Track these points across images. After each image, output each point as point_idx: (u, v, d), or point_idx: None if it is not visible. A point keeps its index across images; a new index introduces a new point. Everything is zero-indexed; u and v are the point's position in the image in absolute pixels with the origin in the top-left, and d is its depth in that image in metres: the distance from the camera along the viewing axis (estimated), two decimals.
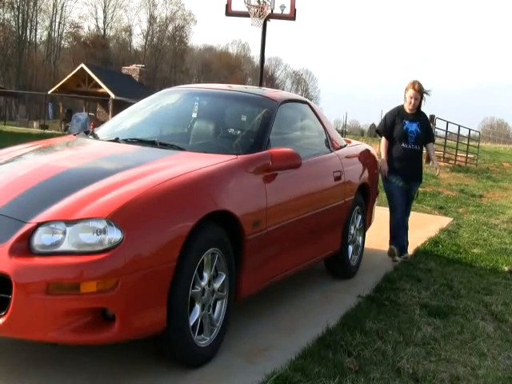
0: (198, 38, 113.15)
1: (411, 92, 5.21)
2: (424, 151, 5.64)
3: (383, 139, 5.34)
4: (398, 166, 5.22)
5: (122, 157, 3.17)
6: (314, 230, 3.88)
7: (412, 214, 5.67)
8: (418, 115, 5.29)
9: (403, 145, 5.20)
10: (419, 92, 5.20)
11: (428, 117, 5.53)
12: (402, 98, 5.44)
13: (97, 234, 2.32)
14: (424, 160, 5.73)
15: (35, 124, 31.40)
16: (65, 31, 58.62)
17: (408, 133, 5.21)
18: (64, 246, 2.30)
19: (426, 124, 5.35)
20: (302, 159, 3.42)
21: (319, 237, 4.02)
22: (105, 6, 61.08)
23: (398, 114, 5.30)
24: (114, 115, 7.87)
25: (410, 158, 5.22)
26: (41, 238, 2.32)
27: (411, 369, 2.94)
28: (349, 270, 4.62)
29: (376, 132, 5.51)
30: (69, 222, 2.34)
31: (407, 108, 5.27)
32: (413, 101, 5.20)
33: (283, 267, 3.55)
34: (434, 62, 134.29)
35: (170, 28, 63.55)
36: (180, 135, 3.91)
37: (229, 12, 15.41)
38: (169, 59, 62.93)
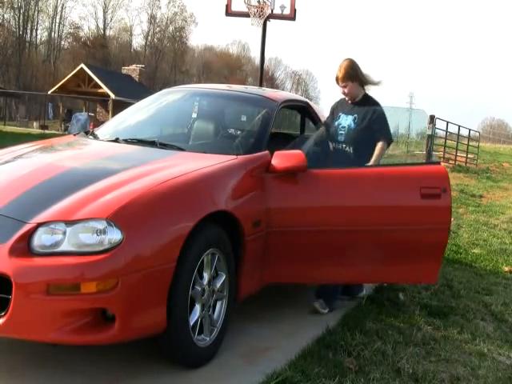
0: (199, 38, 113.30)
1: (336, 75, 3.80)
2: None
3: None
4: None
5: (122, 157, 3.17)
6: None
7: None
8: (359, 105, 3.79)
9: (333, 144, 3.86)
10: (346, 77, 3.72)
11: (381, 108, 3.81)
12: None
13: (97, 234, 2.32)
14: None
15: (35, 124, 31.39)
16: (65, 31, 58.71)
17: (338, 128, 3.81)
18: (64, 247, 2.30)
19: (369, 117, 3.72)
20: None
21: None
22: (105, 6, 61.15)
23: (338, 104, 3.97)
24: (113, 115, 7.88)
25: (338, 161, 3.70)
26: (41, 239, 2.32)
27: (411, 369, 2.94)
28: None
29: None
30: (69, 223, 2.35)
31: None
32: (341, 89, 3.81)
33: (284, 270, 3.52)
34: (434, 63, 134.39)
35: (171, 28, 63.57)
36: (180, 135, 3.91)
37: (229, 12, 15.38)
38: (169, 59, 62.91)
